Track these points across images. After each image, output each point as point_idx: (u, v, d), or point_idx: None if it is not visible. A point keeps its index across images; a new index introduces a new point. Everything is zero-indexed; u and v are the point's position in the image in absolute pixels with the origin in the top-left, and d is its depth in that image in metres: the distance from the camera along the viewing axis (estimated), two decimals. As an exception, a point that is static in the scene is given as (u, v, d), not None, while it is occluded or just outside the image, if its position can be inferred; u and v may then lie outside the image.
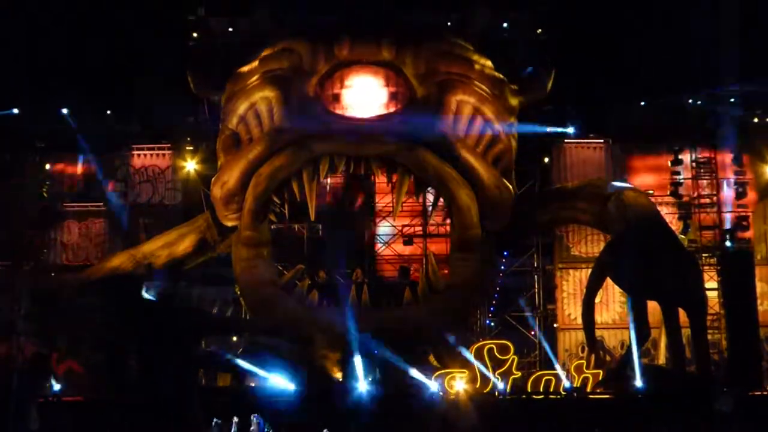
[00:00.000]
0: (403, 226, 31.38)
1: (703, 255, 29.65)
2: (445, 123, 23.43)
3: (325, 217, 28.76)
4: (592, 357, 24.27)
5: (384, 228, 31.99)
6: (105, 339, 22.44)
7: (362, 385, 22.30)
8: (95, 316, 22.75)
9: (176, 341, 22.86)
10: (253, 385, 23.48)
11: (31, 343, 25.14)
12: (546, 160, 31.09)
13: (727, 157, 31.02)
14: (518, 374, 23.02)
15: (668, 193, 30.85)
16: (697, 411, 20.89)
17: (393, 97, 24.02)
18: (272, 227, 25.28)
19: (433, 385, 22.14)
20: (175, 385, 23.70)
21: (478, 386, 22.39)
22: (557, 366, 24.36)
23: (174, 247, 25.64)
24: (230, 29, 31.62)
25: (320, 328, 23.14)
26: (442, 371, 22.62)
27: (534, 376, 23.55)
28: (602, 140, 31.40)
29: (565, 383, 22.87)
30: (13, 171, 31.55)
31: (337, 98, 24.00)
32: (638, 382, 22.81)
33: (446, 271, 25.14)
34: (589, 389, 23.08)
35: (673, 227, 27.35)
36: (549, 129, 31.25)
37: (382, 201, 30.58)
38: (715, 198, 30.60)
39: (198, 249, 25.87)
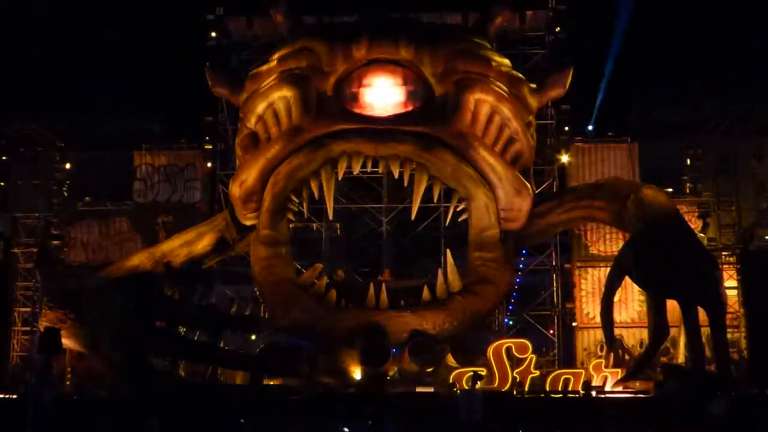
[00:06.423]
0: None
1: (723, 254, 29.57)
2: (462, 122, 23.39)
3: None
4: (611, 356, 24.23)
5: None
6: (124, 337, 22.47)
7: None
8: (115, 315, 22.81)
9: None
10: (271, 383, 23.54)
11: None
12: (564, 158, 31.05)
13: (747, 155, 30.94)
14: (536, 373, 22.98)
15: (687, 191, 30.80)
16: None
17: (411, 96, 23.97)
18: (291, 226, 25.34)
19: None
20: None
21: (496, 385, 22.37)
22: None
23: (193, 245, 25.68)
24: (248, 29, 31.93)
25: (337, 327, 23.17)
26: (461, 370, 22.59)
27: (552, 375, 23.50)
28: (620, 139, 31.35)
29: None
30: (33, 171, 31.80)
31: (355, 97, 23.97)
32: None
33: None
34: (608, 388, 23.09)
35: (693, 226, 27.24)
36: (567, 127, 31.33)
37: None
38: (734, 196, 30.52)
39: (217, 247, 25.92)
